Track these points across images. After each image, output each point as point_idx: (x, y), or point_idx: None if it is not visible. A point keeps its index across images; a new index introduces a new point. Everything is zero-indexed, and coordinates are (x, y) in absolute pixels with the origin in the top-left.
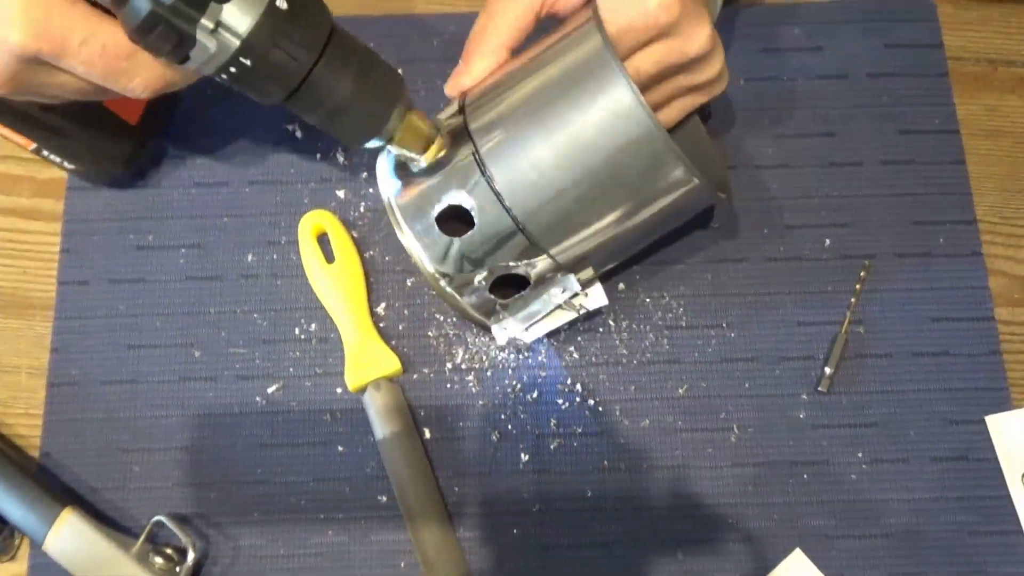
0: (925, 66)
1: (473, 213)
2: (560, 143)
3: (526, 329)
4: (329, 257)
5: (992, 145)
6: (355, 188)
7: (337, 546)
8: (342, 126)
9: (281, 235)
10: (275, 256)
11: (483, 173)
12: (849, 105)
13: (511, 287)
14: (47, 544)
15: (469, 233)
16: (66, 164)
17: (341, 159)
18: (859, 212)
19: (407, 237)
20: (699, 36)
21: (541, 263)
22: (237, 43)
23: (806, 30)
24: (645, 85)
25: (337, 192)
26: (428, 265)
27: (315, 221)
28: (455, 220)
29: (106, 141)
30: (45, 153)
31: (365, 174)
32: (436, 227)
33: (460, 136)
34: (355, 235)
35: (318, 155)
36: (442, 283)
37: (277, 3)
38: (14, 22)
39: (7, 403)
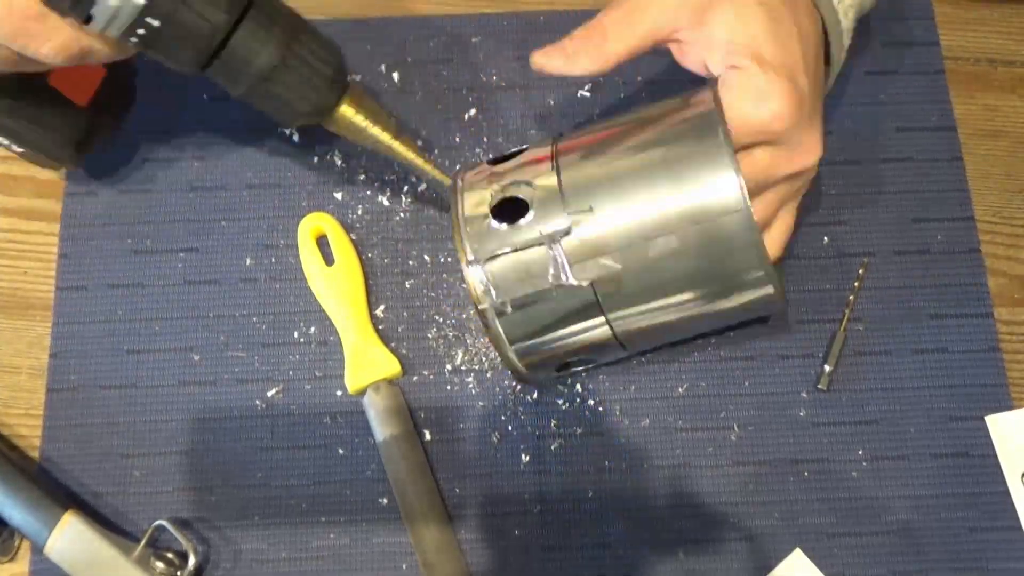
0: (922, 64)
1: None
2: (668, 266)
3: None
4: (328, 260)
5: (992, 145)
6: (353, 191)
7: (338, 549)
8: (270, 99)
9: (279, 238)
10: (273, 259)
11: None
12: (846, 103)
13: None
14: (48, 547)
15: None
16: (13, 147)
17: (339, 162)
18: (857, 210)
19: (488, 315)
20: (810, 151)
21: (601, 332)
22: (142, 1)
23: None
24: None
25: (335, 194)
26: (502, 335)
27: (314, 223)
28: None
29: (53, 122)
30: None
31: (363, 176)
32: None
33: (552, 199)
34: (353, 237)
35: (315, 158)
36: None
37: None
38: None
39: (7, 404)
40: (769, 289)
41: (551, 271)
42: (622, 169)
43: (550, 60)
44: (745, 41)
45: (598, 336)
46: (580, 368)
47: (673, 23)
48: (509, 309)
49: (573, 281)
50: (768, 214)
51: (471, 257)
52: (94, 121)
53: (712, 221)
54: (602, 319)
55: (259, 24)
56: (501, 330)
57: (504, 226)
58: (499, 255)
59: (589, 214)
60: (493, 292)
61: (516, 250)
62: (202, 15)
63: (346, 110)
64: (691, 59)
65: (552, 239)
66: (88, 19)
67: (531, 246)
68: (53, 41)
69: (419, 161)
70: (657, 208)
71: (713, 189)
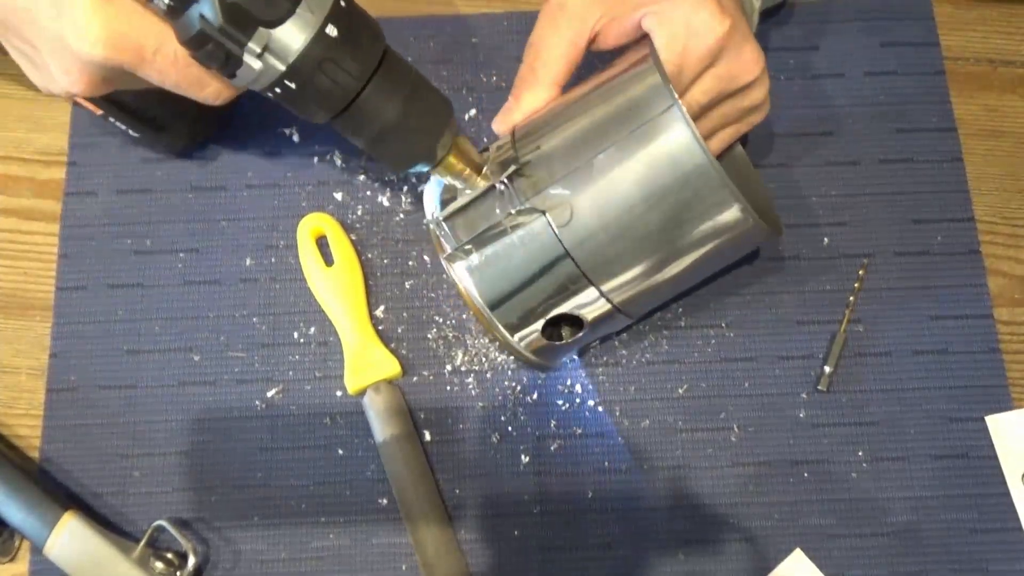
0: (921, 64)
1: (518, 240)
2: (614, 179)
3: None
4: (328, 260)
5: (992, 145)
6: (352, 191)
7: (338, 549)
8: (388, 149)
9: (279, 239)
10: (273, 260)
11: (532, 206)
12: (846, 104)
13: (565, 326)
14: (48, 548)
15: (518, 259)
16: (131, 132)
17: (338, 162)
18: (857, 211)
19: (456, 267)
20: (748, 59)
21: (589, 301)
22: (283, 68)
23: (803, 29)
24: (696, 115)
25: (335, 195)
26: (476, 295)
27: (314, 224)
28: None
29: (173, 119)
30: (111, 120)
31: (362, 176)
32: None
33: (508, 166)
34: (353, 238)
35: (315, 158)
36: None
37: (327, 29)
38: (93, 36)
39: (7, 404)
40: (731, 205)
41: (506, 207)
42: (568, 113)
43: (507, 116)
44: None
45: (564, 274)
46: (572, 341)
47: (589, 22)
48: (474, 255)
49: (522, 206)
50: (708, 129)
51: (430, 216)
52: (207, 118)
53: (647, 123)
54: (563, 252)
55: (385, 83)
56: (471, 280)
57: (467, 191)
58: (458, 209)
59: (536, 152)
60: (453, 239)
61: (473, 200)
62: (336, 80)
63: (454, 160)
64: (613, 36)
65: (501, 180)
66: (232, 76)
67: (485, 192)
68: (214, 87)
69: None
70: (596, 130)
71: (643, 96)
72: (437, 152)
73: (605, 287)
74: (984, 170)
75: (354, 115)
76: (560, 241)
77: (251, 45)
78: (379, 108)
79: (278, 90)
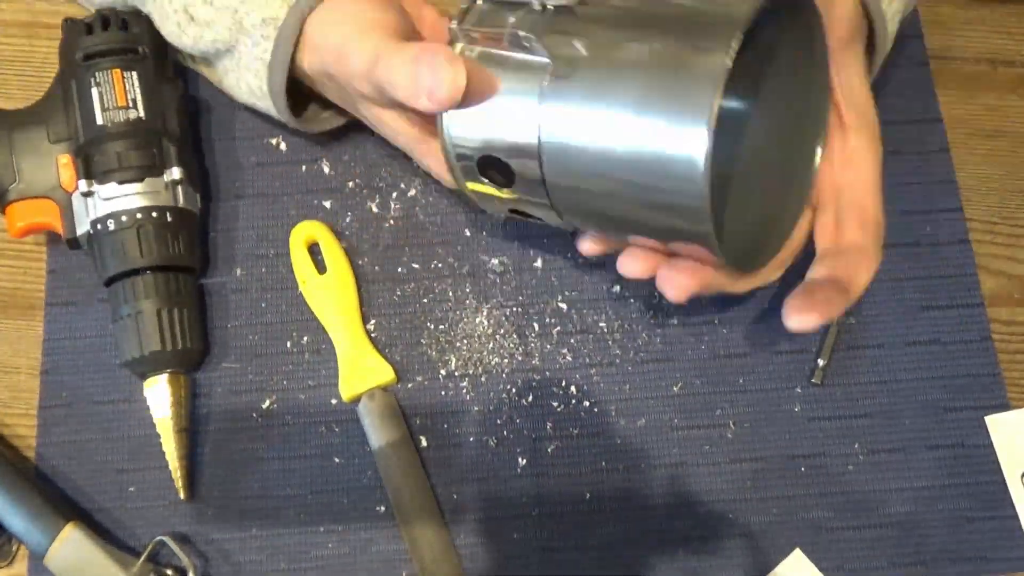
0: (905, 57)
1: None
2: (633, 43)
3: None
4: (320, 268)
5: (992, 145)
6: (342, 198)
7: (338, 558)
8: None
9: (269, 248)
10: (264, 269)
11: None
12: None
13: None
14: (48, 558)
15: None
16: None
17: (327, 170)
18: None
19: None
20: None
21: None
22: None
23: None
24: None
25: (324, 203)
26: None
27: (306, 231)
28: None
29: None
30: None
31: (351, 184)
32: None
33: (541, 35)
34: (344, 245)
35: (303, 167)
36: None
37: None
38: None
39: (7, 403)
40: (698, 204)
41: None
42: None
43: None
44: None
45: (523, 139)
46: (515, 212)
47: None
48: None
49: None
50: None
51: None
52: None
53: (689, 48)
54: (535, 120)
55: None
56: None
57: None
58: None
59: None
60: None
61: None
62: None
63: None
64: None
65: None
66: None
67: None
68: (429, 159)
69: None
70: (646, 29)
71: (706, 40)
72: None
73: (554, 192)
74: (984, 170)
75: None
76: (540, 105)
77: None
78: None
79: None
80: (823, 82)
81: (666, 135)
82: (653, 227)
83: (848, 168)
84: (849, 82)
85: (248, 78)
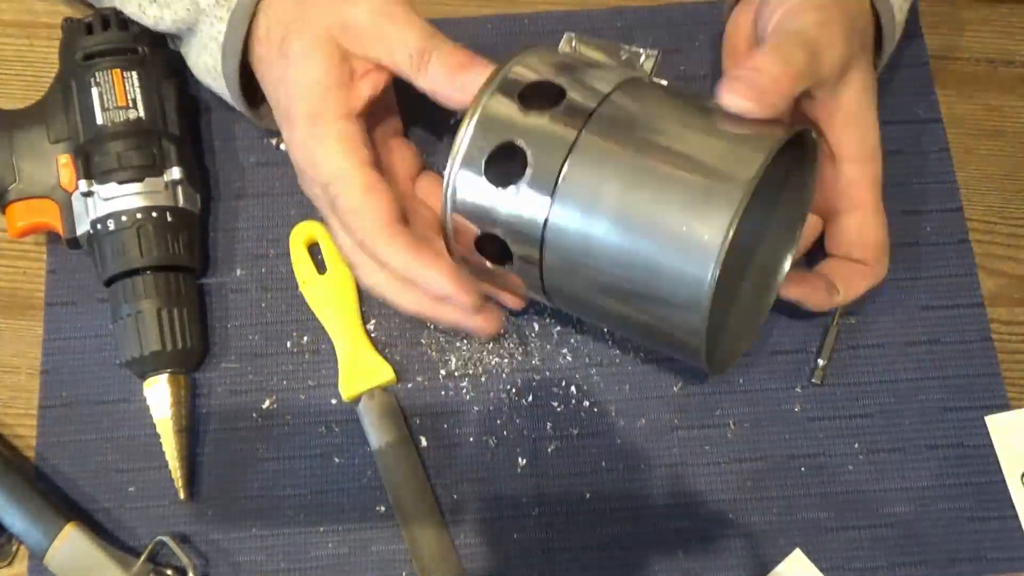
0: (906, 57)
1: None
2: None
3: None
4: (320, 268)
5: (992, 145)
6: None
7: (337, 558)
8: None
9: (269, 248)
10: (263, 269)
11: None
12: None
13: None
14: (48, 558)
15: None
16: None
17: None
18: None
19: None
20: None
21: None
22: None
23: None
24: None
25: None
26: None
27: (306, 232)
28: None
29: None
30: None
31: None
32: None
33: (560, 139)
34: None
35: None
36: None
37: None
38: None
39: (7, 403)
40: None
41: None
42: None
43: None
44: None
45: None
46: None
47: None
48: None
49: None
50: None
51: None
52: None
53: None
54: (541, 213)
55: None
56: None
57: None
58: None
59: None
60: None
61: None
62: None
63: None
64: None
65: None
66: None
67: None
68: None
69: None
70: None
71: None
72: None
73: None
74: (984, 170)
75: None
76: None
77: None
78: None
79: None
80: (807, 199)
81: (676, 257)
82: (646, 335)
83: (842, 198)
84: (849, 106)
85: (205, 57)
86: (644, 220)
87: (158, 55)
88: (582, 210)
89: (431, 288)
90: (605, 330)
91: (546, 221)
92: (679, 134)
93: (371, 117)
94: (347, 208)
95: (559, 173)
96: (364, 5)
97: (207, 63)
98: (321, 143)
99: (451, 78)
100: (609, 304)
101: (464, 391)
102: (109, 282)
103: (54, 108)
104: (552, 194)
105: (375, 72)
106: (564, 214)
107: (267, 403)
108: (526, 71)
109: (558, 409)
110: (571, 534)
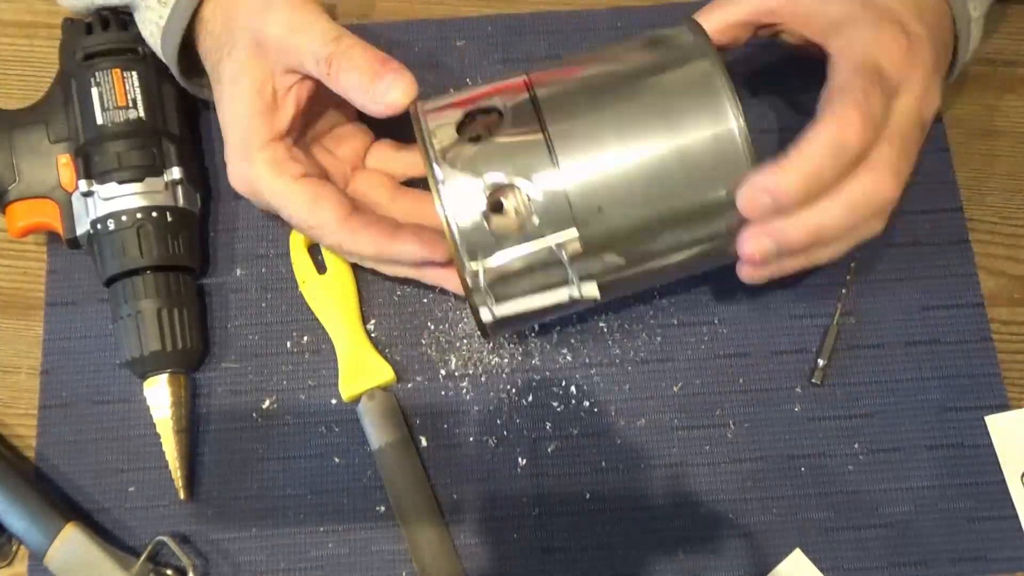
0: None
1: (528, 194)
2: (644, 161)
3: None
4: (320, 268)
5: (992, 145)
6: None
7: (337, 558)
8: None
9: (269, 248)
10: (264, 269)
11: (552, 161)
12: None
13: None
14: (48, 558)
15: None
16: None
17: None
18: None
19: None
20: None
21: (573, 259)
22: None
23: None
24: None
25: None
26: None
27: None
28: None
29: None
30: None
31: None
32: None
33: (526, 114)
34: None
35: None
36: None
37: None
38: None
39: (7, 403)
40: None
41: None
42: (623, 149)
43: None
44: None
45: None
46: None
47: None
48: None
49: (576, 288)
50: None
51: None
52: None
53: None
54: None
55: None
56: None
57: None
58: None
59: (597, 215)
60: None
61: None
62: None
63: None
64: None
65: (559, 248)
66: None
67: (533, 243)
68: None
69: None
70: (666, 197)
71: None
72: None
73: (599, 255)
74: (984, 170)
75: None
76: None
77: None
78: None
79: None
80: None
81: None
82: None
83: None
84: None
85: (151, 28)
86: (646, 124)
87: (158, 55)
88: (590, 158)
89: (405, 260)
90: (605, 330)
91: (567, 195)
92: (617, 68)
93: (311, 116)
94: (300, 222)
95: (551, 153)
96: (277, 15)
97: (153, 33)
98: (253, 169)
99: (363, 90)
100: (658, 206)
101: (464, 391)
102: (109, 282)
103: (54, 108)
104: (557, 164)
105: (299, 84)
106: (575, 172)
107: (267, 403)
108: (442, 113)
109: (558, 409)
110: (571, 534)
